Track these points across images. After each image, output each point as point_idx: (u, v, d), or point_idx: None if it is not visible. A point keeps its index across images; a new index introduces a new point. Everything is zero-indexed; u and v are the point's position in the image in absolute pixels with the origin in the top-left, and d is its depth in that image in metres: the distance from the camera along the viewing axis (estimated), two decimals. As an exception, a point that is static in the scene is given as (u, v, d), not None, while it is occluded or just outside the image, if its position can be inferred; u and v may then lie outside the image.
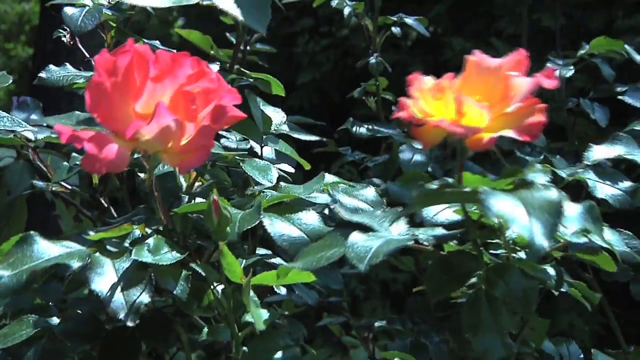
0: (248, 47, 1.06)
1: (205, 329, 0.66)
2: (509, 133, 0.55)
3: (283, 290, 0.85)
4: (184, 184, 0.77)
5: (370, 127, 1.04)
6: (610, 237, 0.63)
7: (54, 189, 0.86)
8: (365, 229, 0.58)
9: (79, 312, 0.68)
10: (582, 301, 0.70)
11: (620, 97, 1.07)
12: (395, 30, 1.12)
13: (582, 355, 0.86)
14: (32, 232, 0.61)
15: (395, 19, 1.11)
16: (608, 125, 1.10)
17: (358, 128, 1.04)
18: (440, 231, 0.61)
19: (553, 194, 0.51)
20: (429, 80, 0.60)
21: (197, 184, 0.76)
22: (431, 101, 0.58)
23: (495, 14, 2.99)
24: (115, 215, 0.90)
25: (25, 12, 5.58)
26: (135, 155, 0.65)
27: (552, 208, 0.50)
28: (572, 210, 0.54)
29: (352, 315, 1.09)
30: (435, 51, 3.05)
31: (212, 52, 0.97)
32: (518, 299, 0.56)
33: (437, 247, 0.62)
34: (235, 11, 0.64)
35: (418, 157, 0.93)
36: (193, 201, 0.72)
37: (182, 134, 0.59)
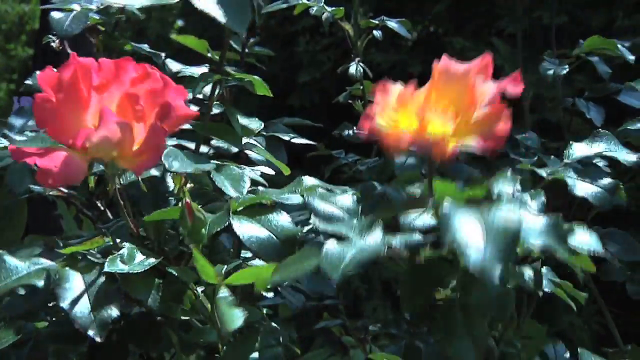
0: (247, 50, 1.06)
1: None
2: (472, 141, 0.54)
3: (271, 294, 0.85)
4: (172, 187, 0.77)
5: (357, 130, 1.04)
6: (586, 239, 0.62)
7: (51, 193, 0.86)
8: (341, 237, 0.57)
9: (66, 315, 0.68)
10: (568, 301, 0.70)
11: (615, 96, 1.07)
12: (377, 33, 1.12)
13: (568, 354, 0.86)
14: (0, 251, 0.61)
15: (377, 22, 1.11)
16: (605, 124, 1.10)
17: (350, 132, 1.04)
18: (416, 237, 0.59)
19: (513, 215, 0.49)
20: (396, 89, 0.59)
21: (188, 185, 0.77)
22: (394, 113, 0.57)
23: (496, 13, 2.99)
24: (112, 217, 0.90)
25: (26, 12, 5.58)
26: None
27: (509, 232, 0.48)
28: (535, 225, 0.52)
29: (353, 314, 1.09)
30: (436, 51, 3.03)
31: (208, 55, 0.97)
32: (492, 304, 0.55)
33: (412, 253, 0.61)
34: (216, 12, 0.63)
35: (410, 160, 0.92)
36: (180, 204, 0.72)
37: (131, 136, 0.59)
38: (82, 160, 0.59)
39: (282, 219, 0.65)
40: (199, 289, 0.64)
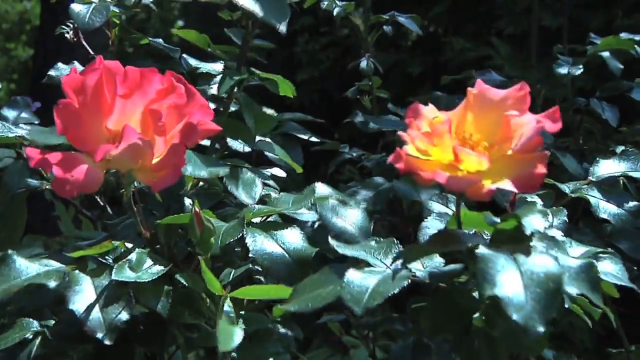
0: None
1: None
2: (507, 185, 0.52)
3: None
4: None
5: (373, 119, 1.03)
6: (611, 269, 0.61)
7: (48, 187, 0.85)
8: (359, 261, 0.57)
9: (72, 314, 0.67)
10: (584, 317, 0.69)
11: (627, 94, 1.07)
12: (387, 29, 1.11)
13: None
14: (9, 251, 0.61)
15: (387, 17, 1.11)
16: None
17: (363, 120, 1.02)
18: (437, 262, 0.59)
19: (552, 264, 0.49)
20: (430, 112, 0.57)
21: (200, 184, 0.76)
22: (428, 146, 0.55)
23: (496, 14, 2.98)
24: (112, 213, 0.89)
25: (26, 11, 5.57)
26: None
27: (551, 285, 0.48)
28: (571, 272, 0.51)
29: (352, 314, 1.09)
30: (435, 51, 3.04)
31: (209, 49, 0.97)
32: (518, 338, 0.53)
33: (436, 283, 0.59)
34: (254, 7, 0.63)
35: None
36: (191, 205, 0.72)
37: (151, 152, 0.59)
38: (99, 169, 0.58)
39: (296, 238, 0.64)
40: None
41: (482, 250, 0.50)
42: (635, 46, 1.01)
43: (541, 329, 0.46)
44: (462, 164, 0.54)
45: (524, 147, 0.53)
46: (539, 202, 0.64)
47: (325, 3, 1.05)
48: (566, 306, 0.64)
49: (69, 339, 0.64)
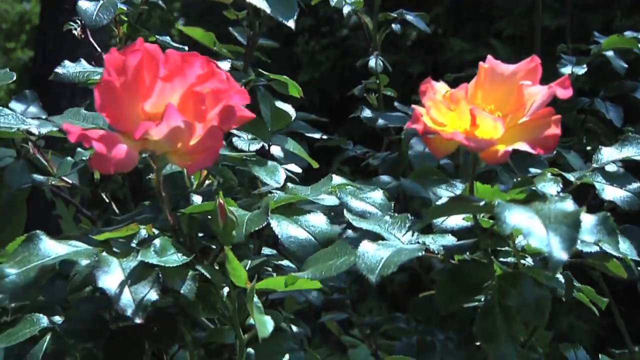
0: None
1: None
2: (523, 146, 0.54)
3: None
4: (193, 183, 0.76)
5: (383, 114, 1.03)
6: (623, 246, 0.62)
7: (54, 182, 0.85)
8: (374, 236, 0.57)
9: (83, 310, 0.67)
10: (590, 306, 0.70)
11: (631, 93, 1.07)
12: (396, 27, 1.11)
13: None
14: (37, 231, 0.61)
15: (395, 15, 1.11)
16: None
17: (369, 116, 1.02)
18: (450, 239, 0.61)
19: (569, 205, 0.50)
20: (441, 87, 0.59)
21: (206, 182, 0.76)
22: (445, 111, 0.57)
23: (495, 15, 2.99)
24: (117, 211, 0.89)
25: (26, 11, 5.56)
26: (143, 155, 0.65)
27: (570, 220, 0.49)
28: (587, 222, 0.52)
29: (354, 313, 1.09)
30: (435, 51, 3.05)
31: (215, 48, 0.97)
32: (531, 308, 0.56)
33: (449, 257, 0.61)
34: (262, 4, 0.63)
35: (429, 151, 0.91)
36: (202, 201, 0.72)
37: (191, 135, 0.59)
38: (135, 149, 0.58)
39: (320, 221, 0.65)
40: (224, 289, 0.63)
41: (499, 203, 0.51)
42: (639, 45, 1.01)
43: (565, 256, 0.47)
44: (477, 130, 0.55)
45: (537, 111, 0.55)
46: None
47: (335, 1, 1.04)
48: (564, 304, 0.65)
49: (80, 335, 0.64)
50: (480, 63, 0.60)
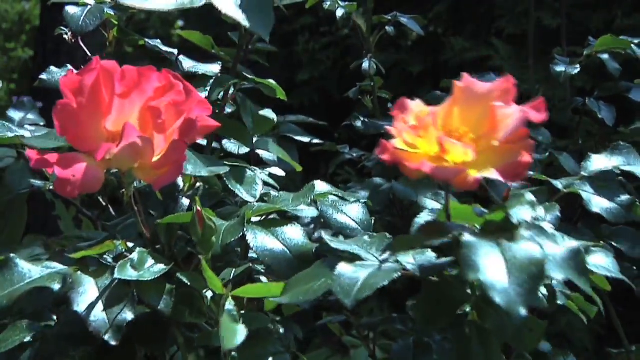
0: (250, 47, 1.05)
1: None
2: (493, 174, 0.53)
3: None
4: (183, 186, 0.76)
5: (372, 121, 1.03)
6: (603, 261, 0.62)
7: (51, 187, 0.86)
8: (352, 255, 0.57)
9: (74, 315, 0.67)
10: (579, 314, 0.69)
11: (625, 94, 1.07)
12: (390, 29, 1.11)
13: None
14: (12, 255, 0.61)
15: (389, 17, 1.11)
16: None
17: (361, 124, 1.03)
18: (429, 256, 0.59)
19: (536, 250, 0.49)
20: (416, 107, 0.58)
21: (197, 184, 0.76)
22: (414, 137, 0.56)
23: (496, 14, 2.98)
24: (114, 214, 0.89)
25: (26, 11, 5.56)
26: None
27: (534, 271, 0.48)
28: (557, 258, 0.51)
29: (352, 314, 1.09)
30: (435, 51, 3.04)
31: (213, 51, 0.97)
32: (509, 329, 0.55)
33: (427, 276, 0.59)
34: (239, 16, 0.63)
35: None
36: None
37: (151, 150, 0.59)
38: (100, 168, 0.58)
39: (297, 234, 0.65)
40: (208, 294, 0.63)
41: (467, 237, 0.50)
42: (633, 46, 1.01)
43: (523, 312, 0.46)
44: (448, 155, 0.54)
45: (509, 137, 0.54)
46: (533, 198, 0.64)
47: (328, 3, 1.04)
48: (561, 304, 0.65)
49: (71, 340, 0.64)
50: (455, 82, 0.59)
